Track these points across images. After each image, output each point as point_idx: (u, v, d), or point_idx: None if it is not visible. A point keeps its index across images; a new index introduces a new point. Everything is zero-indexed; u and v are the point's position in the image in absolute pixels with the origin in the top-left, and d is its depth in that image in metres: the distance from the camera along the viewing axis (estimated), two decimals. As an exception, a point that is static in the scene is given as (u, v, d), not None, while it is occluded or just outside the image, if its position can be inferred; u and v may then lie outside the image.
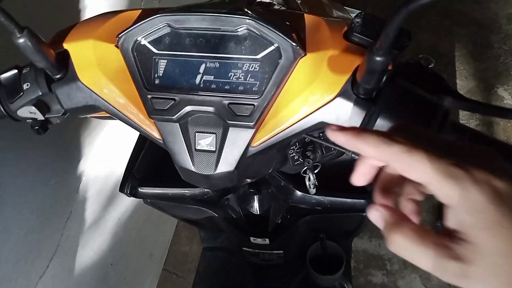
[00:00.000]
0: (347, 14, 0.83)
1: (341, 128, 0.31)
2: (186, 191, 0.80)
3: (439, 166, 0.27)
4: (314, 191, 0.70)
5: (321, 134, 0.65)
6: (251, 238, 0.89)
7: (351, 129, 0.31)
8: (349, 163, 0.80)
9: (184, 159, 0.47)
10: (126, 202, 1.35)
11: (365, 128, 0.35)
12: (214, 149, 0.46)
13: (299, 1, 0.82)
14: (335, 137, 0.32)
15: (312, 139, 0.62)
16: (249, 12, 0.44)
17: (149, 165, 0.82)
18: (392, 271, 1.45)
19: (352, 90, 0.42)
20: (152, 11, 0.51)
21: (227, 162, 0.47)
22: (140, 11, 0.51)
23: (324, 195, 0.74)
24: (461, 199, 0.27)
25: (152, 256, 1.47)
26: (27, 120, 0.52)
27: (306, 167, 0.66)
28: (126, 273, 1.34)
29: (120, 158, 1.32)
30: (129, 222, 1.35)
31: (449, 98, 0.47)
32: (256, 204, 0.84)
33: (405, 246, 0.29)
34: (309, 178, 0.68)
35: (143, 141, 0.84)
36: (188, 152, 0.47)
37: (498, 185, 0.27)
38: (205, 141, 0.46)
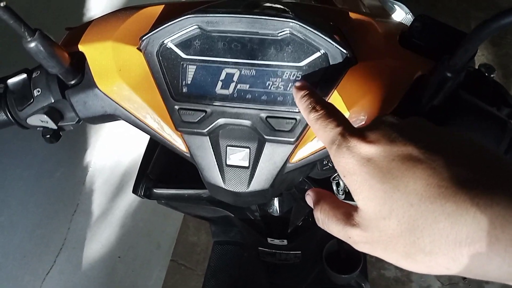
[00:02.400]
0: (378, 2, 0.76)
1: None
2: (203, 192, 0.76)
3: (330, 134, 0.30)
4: (342, 197, 0.66)
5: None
6: (269, 239, 0.85)
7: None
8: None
9: (214, 175, 0.43)
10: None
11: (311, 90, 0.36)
12: (247, 165, 0.42)
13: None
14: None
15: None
16: (291, 13, 0.38)
17: (164, 165, 0.77)
18: (405, 263, 1.42)
19: (410, 106, 0.37)
20: (176, 6, 0.46)
21: (262, 179, 0.42)
22: (162, 6, 0.45)
23: (352, 200, 0.69)
24: (338, 163, 0.29)
25: (160, 247, 1.44)
26: (38, 128, 0.47)
27: (336, 173, 0.61)
28: (134, 265, 1.31)
29: (127, 148, 1.27)
30: (137, 213, 1.31)
31: (509, 110, 0.42)
32: (276, 205, 0.80)
33: (323, 220, 0.32)
34: (338, 184, 0.64)
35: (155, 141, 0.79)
36: (219, 167, 0.42)
37: (367, 150, 0.27)
38: (237, 156, 0.42)
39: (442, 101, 0.35)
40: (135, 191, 0.73)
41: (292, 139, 0.39)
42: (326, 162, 0.63)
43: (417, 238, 0.24)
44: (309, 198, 0.35)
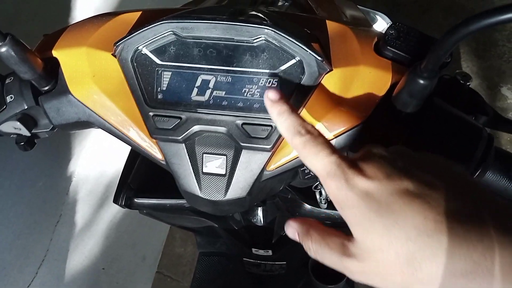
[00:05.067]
0: (360, 13, 0.77)
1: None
2: (184, 202, 0.75)
3: (323, 162, 0.30)
4: (325, 206, 0.65)
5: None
6: (253, 250, 0.84)
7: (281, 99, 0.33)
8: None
9: (190, 183, 0.42)
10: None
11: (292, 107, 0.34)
12: (224, 173, 0.41)
13: (307, -2, 0.76)
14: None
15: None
16: (267, 19, 0.38)
17: (145, 174, 0.76)
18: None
19: (384, 113, 0.37)
20: (154, 13, 0.45)
21: (239, 187, 0.41)
22: (139, 13, 0.45)
23: (334, 209, 0.69)
24: (336, 195, 0.29)
25: (145, 258, 1.42)
26: (11, 136, 0.46)
27: (318, 182, 0.61)
28: (119, 277, 1.29)
29: (111, 158, 1.26)
30: (121, 224, 1.29)
31: (486, 118, 0.42)
32: (260, 215, 0.79)
33: (316, 251, 0.31)
34: (321, 193, 0.64)
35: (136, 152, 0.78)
36: (195, 175, 0.41)
37: (366, 184, 0.28)
38: (214, 164, 0.41)
39: (416, 108, 0.35)
40: (115, 200, 0.72)
41: (268, 146, 0.39)
42: (308, 171, 0.63)
43: (415, 270, 0.26)
44: (292, 230, 0.33)
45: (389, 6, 1.94)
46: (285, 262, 0.90)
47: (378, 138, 0.38)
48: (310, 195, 0.70)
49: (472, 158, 0.36)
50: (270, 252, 0.83)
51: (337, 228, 0.81)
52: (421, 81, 0.31)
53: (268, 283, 1.03)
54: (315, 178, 0.63)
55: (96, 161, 1.23)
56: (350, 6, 0.81)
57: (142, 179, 0.76)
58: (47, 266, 1.07)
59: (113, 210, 1.28)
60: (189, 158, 0.41)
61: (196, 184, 0.42)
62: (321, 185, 0.63)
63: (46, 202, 1.08)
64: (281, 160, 0.41)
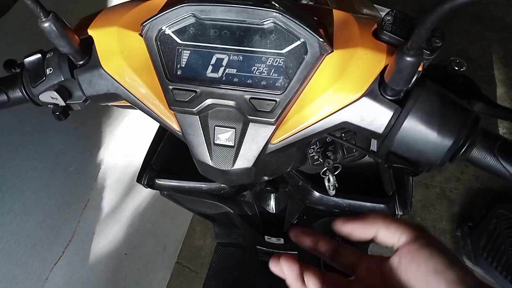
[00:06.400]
0: (376, 12, 0.80)
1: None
2: (203, 185, 0.79)
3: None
4: (333, 192, 0.68)
5: (343, 134, 0.64)
6: (266, 237, 0.88)
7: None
8: (370, 166, 0.78)
9: (203, 153, 0.46)
10: (143, 193, 1.36)
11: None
12: (233, 144, 0.45)
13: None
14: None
15: (334, 139, 0.61)
16: (276, 5, 0.43)
17: (167, 157, 0.82)
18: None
19: (379, 91, 0.41)
20: (178, -1, 0.50)
21: (245, 159, 0.45)
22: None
23: (342, 198, 0.72)
24: None
25: (166, 248, 1.47)
26: (49, 105, 0.52)
27: (326, 168, 0.64)
28: (140, 263, 1.35)
29: (139, 149, 1.32)
30: (145, 213, 1.35)
31: (480, 103, 0.45)
32: (272, 203, 0.82)
33: None
34: (329, 180, 0.67)
35: (163, 132, 0.83)
36: (207, 146, 0.46)
37: None
38: (224, 136, 0.45)
39: (405, 85, 0.38)
40: (139, 180, 0.78)
41: (272, 119, 0.43)
42: (317, 157, 0.66)
43: None
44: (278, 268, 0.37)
45: (415, 11, 1.95)
46: (296, 252, 0.93)
47: (373, 114, 0.41)
48: (320, 183, 0.74)
49: (459, 134, 0.39)
50: (282, 241, 0.87)
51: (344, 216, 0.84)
52: (408, 59, 0.35)
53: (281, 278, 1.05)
54: (323, 164, 0.66)
55: (124, 152, 1.30)
56: (369, 6, 0.85)
57: (165, 161, 0.81)
58: (73, 246, 1.13)
59: (138, 199, 1.34)
60: (203, 130, 0.46)
61: (208, 154, 0.46)
62: (330, 171, 0.66)
63: (76, 186, 1.15)
64: (284, 134, 0.45)
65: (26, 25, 0.92)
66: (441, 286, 0.31)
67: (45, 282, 1.05)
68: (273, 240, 0.87)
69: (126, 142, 1.30)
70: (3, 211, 0.93)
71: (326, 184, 0.68)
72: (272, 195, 0.82)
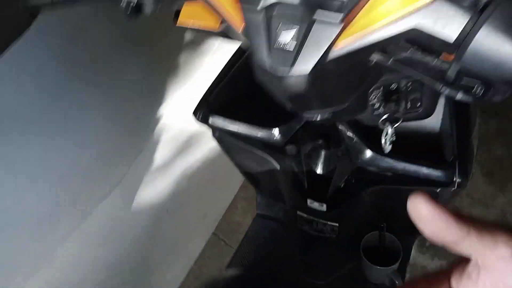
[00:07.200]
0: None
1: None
2: (256, 131, 0.79)
3: None
4: (389, 148, 0.65)
5: (409, 84, 0.60)
6: (308, 201, 0.85)
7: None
8: (427, 131, 0.74)
9: (262, 55, 0.46)
10: (195, 156, 1.37)
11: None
12: (294, 46, 0.44)
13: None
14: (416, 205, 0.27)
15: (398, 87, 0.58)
16: None
17: (226, 97, 0.82)
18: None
19: None
20: None
21: (304, 63, 0.44)
22: None
23: (397, 159, 0.68)
24: None
25: (206, 216, 1.48)
26: (121, 4, 0.53)
27: (385, 116, 0.61)
28: (179, 224, 1.36)
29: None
30: (193, 177, 1.37)
31: None
32: (321, 162, 0.80)
33: None
34: (387, 132, 0.63)
35: (227, 71, 0.83)
36: (268, 47, 0.45)
37: None
38: (287, 36, 0.44)
39: None
40: (195, 113, 0.79)
41: (338, 19, 0.41)
42: (377, 106, 0.63)
43: None
44: None
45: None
46: (337, 224, 0.89)
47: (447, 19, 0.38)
48: (374, 141, 0.70)
49: None
50: (324, 207, 0.84)
51: (395, 187, 0.81)
52: None
53: (316, 252, 1.02)
54: (382, 115, 0.63)
55: (184, 113, 1.32)
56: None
57: (223, 100, 0.81)
58: (120, 189, 1.17)
59: (188, 162, 1.36)
60: (265, 28, 0.45)
61: (267, 57, 0.45)
62: (389, 122, 0.62)
63: (132, 135, 1.19)
64: (349, 37, 0.43)
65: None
66: None
67: (88, 215, 1.09)
68: (316, 205, 0.84)
69: (187, 104, 1.32)
70: (63, 140, 0.98)
71: (383, 138, 0.64)
72: (322, 153, 0.79)
